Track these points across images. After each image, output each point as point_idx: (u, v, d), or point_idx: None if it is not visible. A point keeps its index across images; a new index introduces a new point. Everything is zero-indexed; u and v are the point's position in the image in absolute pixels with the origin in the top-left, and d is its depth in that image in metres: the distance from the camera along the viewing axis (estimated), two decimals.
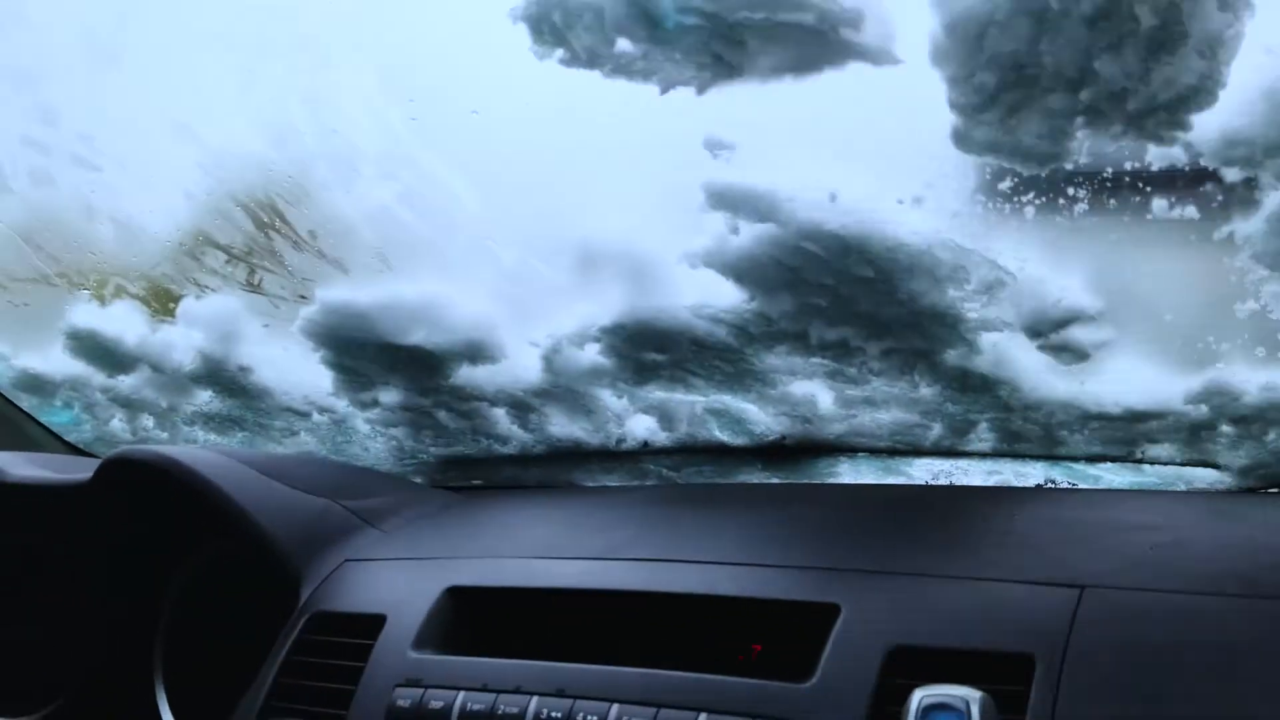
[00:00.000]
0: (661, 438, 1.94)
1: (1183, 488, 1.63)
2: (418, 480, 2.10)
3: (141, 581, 1.84)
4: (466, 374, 1.97)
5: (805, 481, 1.83)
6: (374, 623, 1.47)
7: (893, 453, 1.83)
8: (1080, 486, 1.67)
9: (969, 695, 1.06)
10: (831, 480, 1.83)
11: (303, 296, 2.02)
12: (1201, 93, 1.38)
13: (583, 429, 1.98)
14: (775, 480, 1.85)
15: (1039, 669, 1.10)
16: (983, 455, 1.76)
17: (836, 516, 1.53)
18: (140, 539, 1.82)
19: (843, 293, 1.67)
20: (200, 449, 1.85)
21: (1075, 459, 1.72)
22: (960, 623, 1.18)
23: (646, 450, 1.95)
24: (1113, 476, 1.70)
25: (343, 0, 1.82)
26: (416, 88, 1.80)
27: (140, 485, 1.71)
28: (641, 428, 1.95)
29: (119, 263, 2.16)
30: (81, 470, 1.78)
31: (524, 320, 1.92)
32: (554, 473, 2.03)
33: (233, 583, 1.79)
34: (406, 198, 1.90)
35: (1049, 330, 1.62)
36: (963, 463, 1.78)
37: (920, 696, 1.07)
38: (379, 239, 1.93)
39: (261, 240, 2.02)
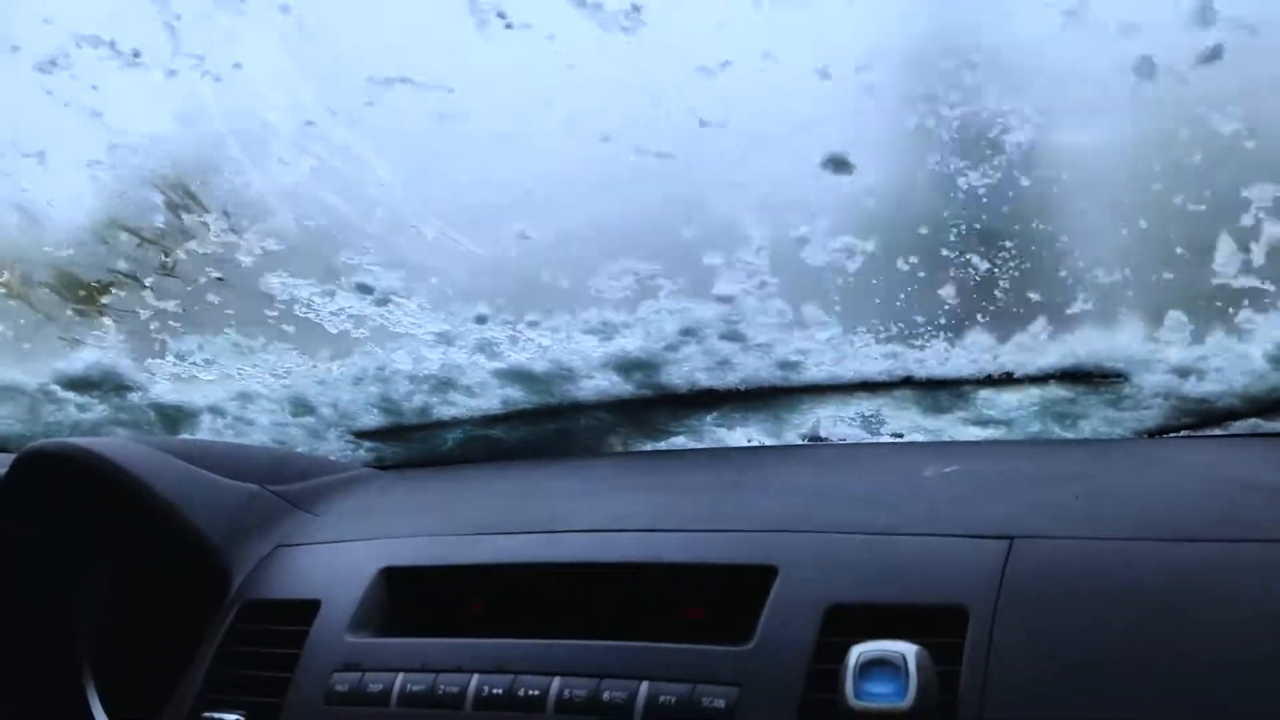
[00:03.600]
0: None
1: (1106, 435, 1.67)
2: (349, 461, 2.07)
3: (65, 578, 1.79)
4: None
5: (738, 445, 1.84)
6: (308, 608, 1.45)
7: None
8: (1006, 438, 1.70)
9: (905, 649, 1.07)
10: (763, 443, 1.84)
11: (220, 278, 1.97)
12: None
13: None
14: (708, 445, 1.86)
15: (972, 620, 1.11)
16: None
17: (770, 478, 1.54)
18: (61, 534, 1.77)
19: None
20: (120, 439, 1.79)
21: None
22: (895, 578, 1.19)
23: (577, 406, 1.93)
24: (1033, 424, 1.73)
25: None
26: (327, 58, 1.75)
27: (58, 479, 1.66)
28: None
29: (24, 250, 2.08)
30: None
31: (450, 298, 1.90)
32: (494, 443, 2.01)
33: (160, 574, 1.75)
34: (320, 174, 1.85)
35: None
36: (892, 413, 1.80)
37: (858, 653, 1.09)
38: (296, 216, 1.89)
39: (174, 222, 1.96)
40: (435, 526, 1.58)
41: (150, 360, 2.10)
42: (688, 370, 1.86)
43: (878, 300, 1.77)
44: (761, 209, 1.77)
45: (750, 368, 1.82)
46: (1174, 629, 1.06)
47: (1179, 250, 1.64)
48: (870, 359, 1.77)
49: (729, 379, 1.84)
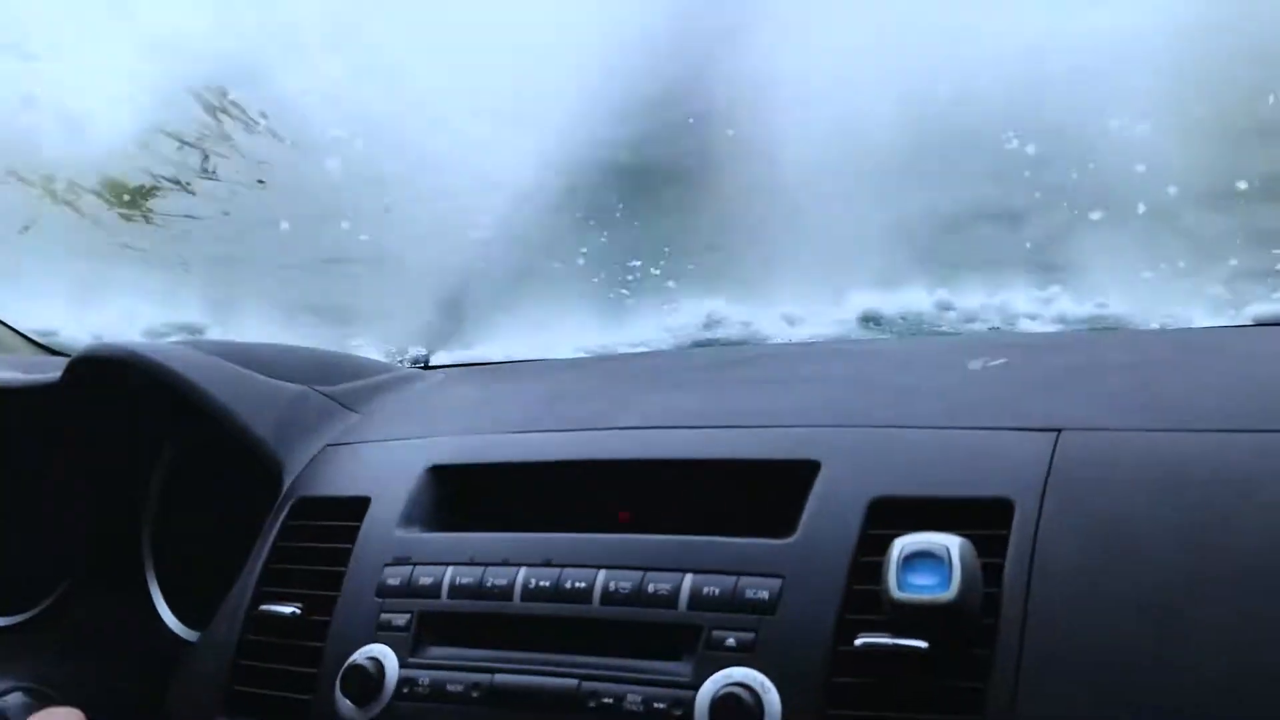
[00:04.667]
0: None
1: (1155, 325, 1.64)
2: (394, 361, 2.09)
3: (122, 477, 1.84)
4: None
5: (781, 341, 1.83)
6: (359, 505, 1.47)
7: None
8: (1054, 330, 1.67)
9: (949, 541, 1.07)
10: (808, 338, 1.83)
11: (261, 181, 1.97)
12: None
13: None
14: (748, 341, 1.85)
15: (1018, 513, 1.11)
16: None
17: (811, 372, 1.53)
18: (116, 436, 1.81)
19: None
20: (170, 344, 1.82)
21: None
22: (939, 471, 1.19)
23: None
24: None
25: None
26: None
27: (111, 381, 1.69)
28: None
29: (65, 155, 2.09)
30: (52, 370, 1.76)
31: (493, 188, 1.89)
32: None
33: (214, 474, 1.79)
34: (359, 69, 1.83)
35: None
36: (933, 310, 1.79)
37: (901, 545, 1.08)
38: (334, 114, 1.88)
39: (212, 125, 1.96)
40: (481, 424, 1.60)
41: None
42: None
43: None
44: None
45: None
46: (1223, 521, 1.04)
47: None
48: None
49: None
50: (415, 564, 1.36)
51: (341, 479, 1.55)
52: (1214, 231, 1.68)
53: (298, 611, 1.41)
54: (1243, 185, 1.66)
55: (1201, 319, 1.66)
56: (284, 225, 2.05)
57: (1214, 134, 1.71)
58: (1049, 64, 1.73)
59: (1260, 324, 1.58)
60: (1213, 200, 1.72)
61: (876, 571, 1.10)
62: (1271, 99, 1.62)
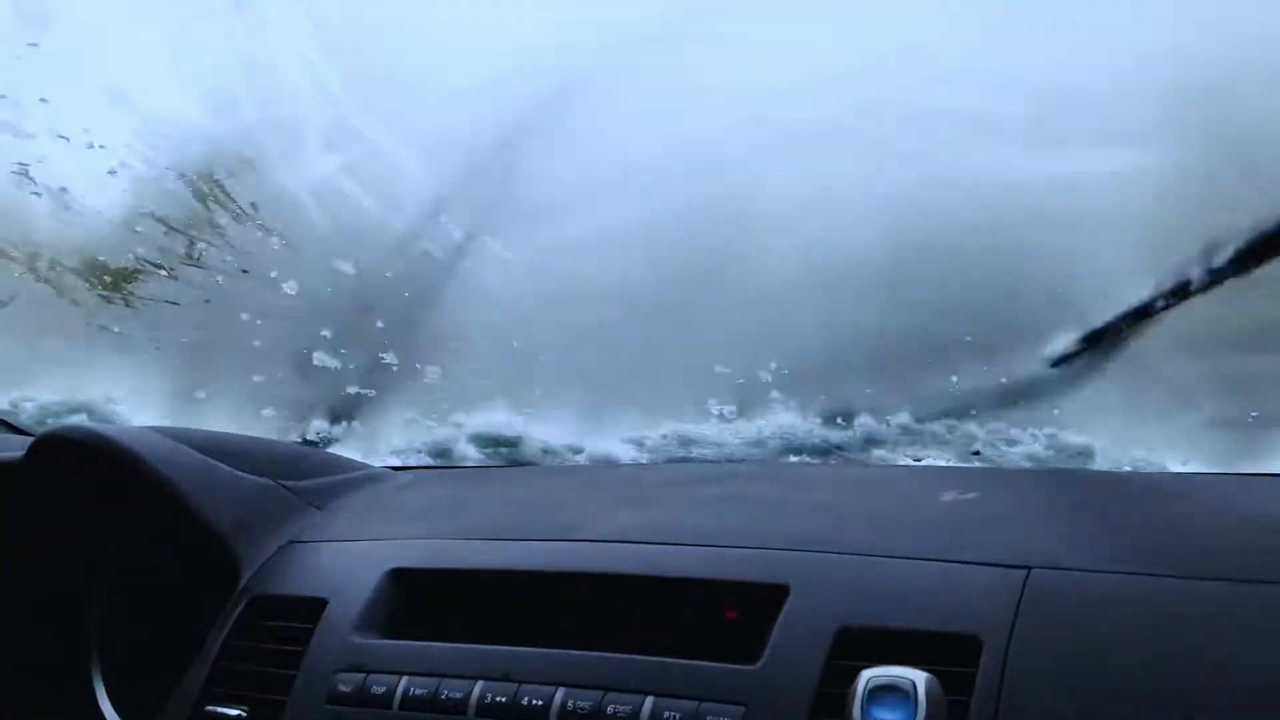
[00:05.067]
0: None
1: (1127, 468, 1.64)
2: (365, 460, 2.06)
3: (75, 563, 1.79)
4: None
5: (754, 459, 1.83)
6: (315, 606, 1.44)
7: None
8: (1027, 466, 1.67)
9: (915, 676, 1.06)
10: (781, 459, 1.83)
11: (244, 270, 1.97)
12: None
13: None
14: (711, 458, 1.85)
15: (986, 650, 1.09)
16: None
17: (785, 495, 1.52)
18: (74, 520, 1.77)
19: None
20: (137, 428, 1.79)
21: None
22: (908, 603, 1.17)
23: None
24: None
25: None
26: (359, 51, 1.76)
27: (74, 464, 1.66)
28: None
29: (52, 234, 2.09)
30: (14, 449, 1.73)
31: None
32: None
33: (170, 566, 1.74)
34: (350, 169, 1.86)
35: None
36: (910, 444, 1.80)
37: (867, 677, 1.07)
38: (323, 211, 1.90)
39: (201, 212, 1.97)
40: (446, 529, 1.57)
41: None
42: None
43: None
44: None
45: None
46: (1192, 669, 1.03)
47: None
48: None
49: None
50: (369, 672, 1.32)
51: (299, 578, 1.52)
52: (1188, 379, 1.70)
53: (244, 715, 1.36)
54: (1219, 335, 1.69)
55: (1172, 464, 1.67)
56: (263, 318, 2.04)
57: (1186, 284, 1.75)
58: (1036, 208, 1.78)
59: (1229, 473, 1.58)
60: (1189, 348, 1.75)
61: (841, 702, 1.08)
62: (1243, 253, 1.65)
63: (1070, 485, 1.50)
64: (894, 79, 1.74)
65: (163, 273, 2.05)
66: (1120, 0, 1.66)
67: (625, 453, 2.01)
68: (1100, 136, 1.71)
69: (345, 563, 1.51)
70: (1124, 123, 1.70)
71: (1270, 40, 1.55)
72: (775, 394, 2.01)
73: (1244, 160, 1.64)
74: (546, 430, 2.05)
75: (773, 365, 1.99)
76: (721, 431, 1.99)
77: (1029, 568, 1.17)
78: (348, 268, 1.96)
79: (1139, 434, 1.82)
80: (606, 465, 1.93)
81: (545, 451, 2.03)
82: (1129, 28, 1.67)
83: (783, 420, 1.98)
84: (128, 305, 2.10)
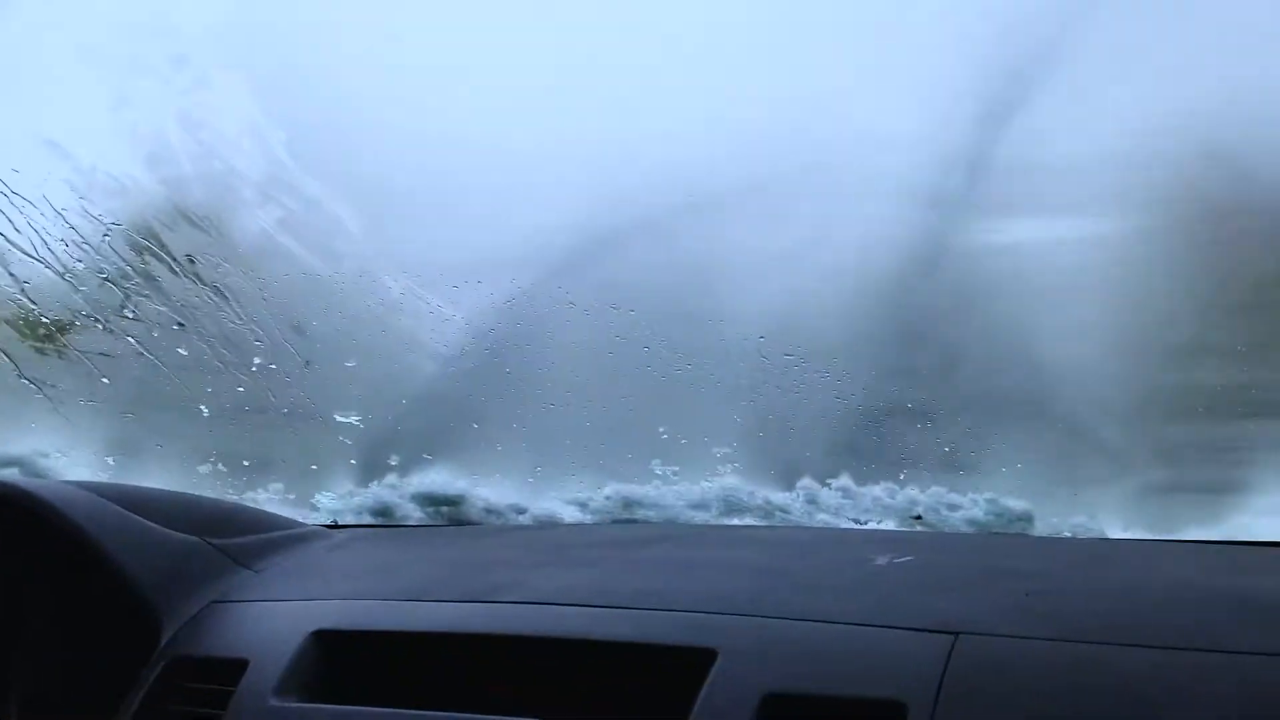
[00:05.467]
0: None
1: (1064, 533, 1.65)
2: (296, 518, 2.02)
3: None
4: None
5: (684, 524, 1.81)
6: (235, 667, 1.40)
7: None
8: (956, 531, 1.68)
9: None
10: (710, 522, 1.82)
11: (180, 324, 1.95)
12: None
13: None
14: (654, 520, 1.84)
15: (911, 716, 1.08)
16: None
17: (714, 558, 1.51)
18: None
19: None
20: (61, 483, 1.75)
21: None
22: (834, 668, 1.16)
23: None
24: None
25: (218, 16, 1.77)
26: (297, 108, 1.76)
27: None
28: None
29: None
30: None
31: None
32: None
33: (90, 624, 1.69)
34: (288, 223, 1.85)
35: None
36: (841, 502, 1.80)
37: None
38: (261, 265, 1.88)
39: (137, 264, 1.95)
40: (375, 589, 1.54)
41: None
42: None
43: None
44: None
45: None
46: None
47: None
48: None
49: None
50: None
51: (221, 639, 1.48)
52: (1122, 447, 1.72)
53: None
54: (1159, 403, 1.71)
55: (1112, 530, 1.67)
56: (201, 371, 2.02)
57: (1129, 353, 1.77)
58: (981, 275, 1.79)
59: (1161, 539, 1.59)
60: (1123, 417, 1.77)
61: None
62: (1184, 322, 1.68)
63: (1005, 551, 1.50)
64: (835, 147, 1.76)
65: (98, 325, 2.02)
66: (1061, 75, 1.69)
67: (569, 514, 1.99)
68: (1044, 206, 1.74)
69: (269, 623, 1.48)
70: (1068, 193, 1.73)
71: (1208, 112, 1.59)
72: (719, 454, 2.00)
73: (1186, 229, 1.67)
74: (490, 490, 2.03)
75: (717, 427, 1.98)
76: (665, 493, 1.98)
77: (956, 633, 1.16)
78: (287, 322, 1.94)
79: (1079, 500, 1.83)
80: (544, 526, 1.91)
81: (488, 511, 2.01)
82: (1070, 101, 1.71)
83: (726, 482, 1.98)
84: (61, 358, 2.06)
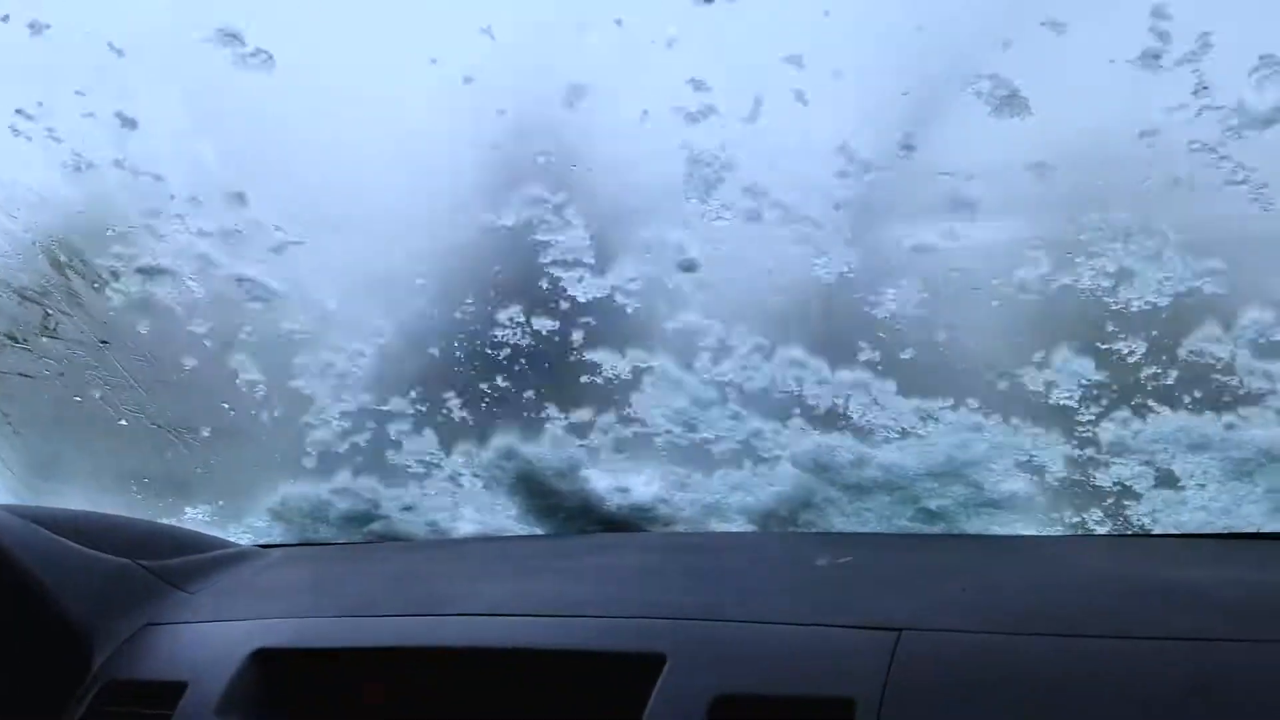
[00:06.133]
0: None
1: (997, 531, 1.68)
2: (231, 539, 1.99)
3: None
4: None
5: (629, 531, 1.82)
6: (173, 690, 1.38)
7: None
8: (898, 532, 1.71)
9: None
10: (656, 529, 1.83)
11: (104, 341, 1.90)
12: None
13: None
14: (598, 530, 1.84)
15: (859, 712, 1.10)
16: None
17: (658, 563, 1.52)
18: None
19: None
20: None
21: None
22: (782, 668, 1.18)
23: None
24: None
25: (148, 24, 1.74)
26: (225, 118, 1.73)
27: None
28: None
29: None
30: None
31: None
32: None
33: (19, 649, 1.64)
34: (219, 237, 1.82)
35: None
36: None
37: None
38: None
39: (58, 281, 1.90)
40: (313, 607, 1.52)
41: None
42: None
43: None
44: None
45: None
46: None
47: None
48: None
49: None
50: None
51: (157, 661, 1.45)
52: (1039, 445, 1.75)
53: None
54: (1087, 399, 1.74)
55: (1036, 529, 1.71)
56: (123, 389, 1.97)
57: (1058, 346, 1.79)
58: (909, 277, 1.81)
59: (1096, 534, 1.64)
60: (1048, 413, 1.80)
61: None
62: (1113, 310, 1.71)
63: (943, 548, 1.54)
64: (759, 153, 1.77)
65: (16, 344, 1.96)
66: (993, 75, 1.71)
67: (512, 525, 1.98)
68: (973, 207, 1.77)
69: (207, 644, 1.45)
70: (994, 194, 1.76)
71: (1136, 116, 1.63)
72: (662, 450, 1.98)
73: (1116, 228, 1.71)
74: (432, 502, 2.01)
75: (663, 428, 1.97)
76: None
77: (900, 629, 1.18)
78: (216, 339, 1.91)
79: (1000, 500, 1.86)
80: (484, 539, 1.90)
81: (430, 525, 1.98)
82: (999, 101, 1.73)
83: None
84: None
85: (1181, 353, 1.63)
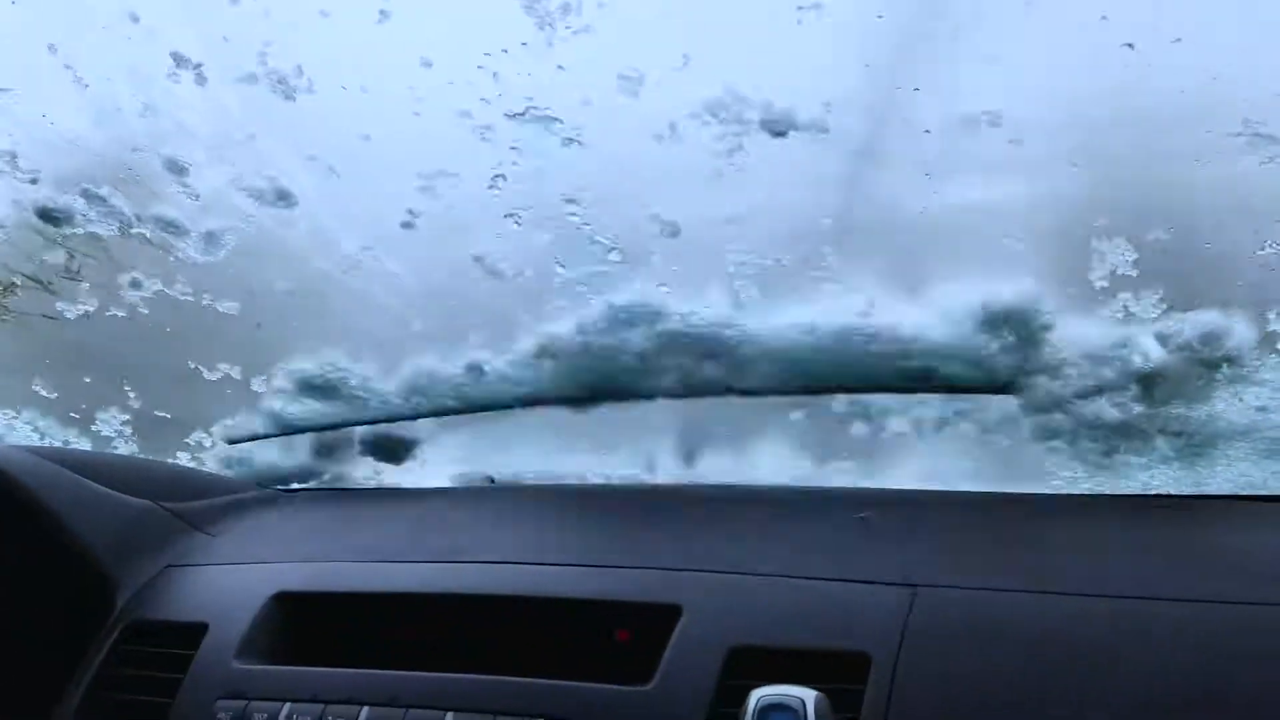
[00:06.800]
0: None
1: (1011, 490, 1.68)
2: (252, 481, 2.00)
3: None
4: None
5: (649, 481, 1.82)
6: (194, 631, 1.39)
7: None
8: (912, 488, 1.70)
9: (804, 695, 1.06)
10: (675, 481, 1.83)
11: (133, 283, 1.91)
12: None
13: None
14: (618, 481, 1.84)
15: (874, 667, 1.11)
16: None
17: (679, 515, 1.52)
18: None
19: None
20: (10, 448, 1.72)
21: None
22: (799, 622, 1.18)
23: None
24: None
25: None
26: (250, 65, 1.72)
27: None
28: None
29: None
30: None
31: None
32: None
33: (43, 590, 1.67)
34: (240, 182, 1.81)
35: None
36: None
37: (758, 697, 1.07)
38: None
39: (82, 224, 1.90)
40: (332, 551, 1.54)
41: None
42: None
43: None
44: None
45: None
46: (1072, 680, 1.06)
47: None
48: None
49: None
50: (250, 699, 1.28)
51: (179, 602, 1.47)
52: (1070, 402, 1.73)
53: None
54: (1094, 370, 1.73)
55: (1051, 488, 1.70)
56: (148, 333, 1.98)
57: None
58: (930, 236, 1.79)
59: (1108, 494, 1.63)
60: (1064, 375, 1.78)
61: None
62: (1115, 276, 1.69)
63: (959, 506, 1.54)
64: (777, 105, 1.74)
65: (41, 287, 1.97)
66: (1010, 34, 1.69)
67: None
68: (995, 166, 1.75)
69: (227, 586, 1.47)
70: (1020, 153, 1.74)
71: (1161, 74, 1.60)
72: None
73: (1141, 190, 1.68)
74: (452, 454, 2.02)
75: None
76: None
77: (916, 586, 1.19)
78: (239, 283, 1.91)
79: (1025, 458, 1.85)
80: (503, 488, 1.91)
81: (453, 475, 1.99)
82: (1019, 61, 1.70)
83: None
84: (2, 321, 2.01)
85: None
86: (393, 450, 2.01)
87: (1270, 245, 1.57)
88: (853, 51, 1.67)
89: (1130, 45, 1.55)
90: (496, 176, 1.78)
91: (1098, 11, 1.55)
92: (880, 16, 1.63)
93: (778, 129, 1.71)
